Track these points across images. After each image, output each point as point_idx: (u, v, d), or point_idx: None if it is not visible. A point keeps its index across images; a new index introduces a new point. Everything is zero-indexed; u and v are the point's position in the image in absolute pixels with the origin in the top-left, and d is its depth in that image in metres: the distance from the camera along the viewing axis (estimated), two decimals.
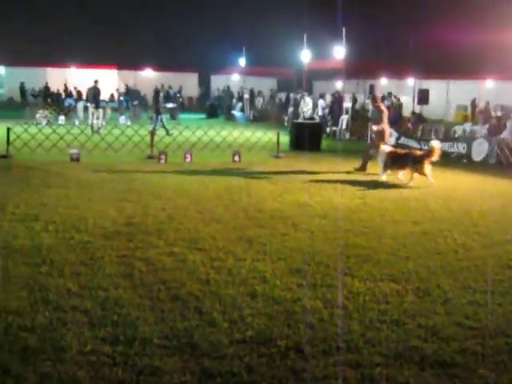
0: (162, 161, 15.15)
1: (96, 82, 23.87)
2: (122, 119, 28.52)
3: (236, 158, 15.87)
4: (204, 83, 54.06)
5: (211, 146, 17.47)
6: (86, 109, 28.58)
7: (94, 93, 23.53)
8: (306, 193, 11.45)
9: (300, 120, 23.29)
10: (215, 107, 38.78)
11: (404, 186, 12.49)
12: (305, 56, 31.60)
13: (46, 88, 43.72)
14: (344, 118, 25.31)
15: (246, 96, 38.32)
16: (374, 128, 14.48)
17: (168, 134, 20.59)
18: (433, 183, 12.64)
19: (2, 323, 4.91)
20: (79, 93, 30.78)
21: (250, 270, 6.59)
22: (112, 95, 39.12)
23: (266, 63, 44.13)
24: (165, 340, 4.75)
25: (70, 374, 4.17)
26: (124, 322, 5.03)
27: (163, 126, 22.33)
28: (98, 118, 23.80)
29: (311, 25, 33.30)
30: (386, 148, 13.53)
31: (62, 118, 27.25)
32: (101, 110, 24.32)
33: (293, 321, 5.25)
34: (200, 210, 9.54)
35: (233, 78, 48.00)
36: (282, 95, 39.48)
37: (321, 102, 26.46)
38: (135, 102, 33.15)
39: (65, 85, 42.68)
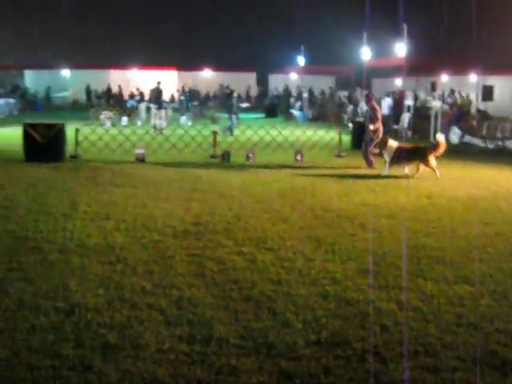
0: (225, 160, 15.24)
1: (159, 83, 24.28)
2: (183, 119, 28.91)
3: (298, 157, 15.82)
4: (262, 82, 54.14)
5: (273, 145, 17.48)
6: (147, 109, 29.15)
7: (157, 94, 23.93)
8: (371, 192, 11.31)
9: (361, 119, 23.02)
10: (274, 106, 38.87)
11: (473, 186, 12.16)
12: (365, 53, 31.24)
13: (108, 90, 44.79)
14: (406, 116, 24.85)
15: (305, 95, 38.21)
16: (371, 127, 14.56)
17: (232, 134, 20.81)
18: (438, 177, 12.87)
19: (82, 320, 5.02)
20: (141, 94, 31.33)
21: (320, 271, 6.54)
22: (172, 96, 39.70)
23: (325, 61, 43.84)
24: (240, 340, 4.76)
25: (150, 371, 4.23)
26: (199, 321, 5.07)
27: (230, 127, 22.60)
28: (160, 119, 24.19)
29: (371, 22, 32.95)
30: (393, 143, 13.62)
31: (125, 119, 27.83)
32: (163, 111, 24.70)
33: (367, 323, 5.18)
34: (266, 210, 9.54)
35: (291, 77, 47.88)
36: (341, 93, 39.14)
37: (387, 101, 26.01)
38: (195, 103, 33.50)
39: (118, 86, 43.54)
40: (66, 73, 48.28)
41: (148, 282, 6.02)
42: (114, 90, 44.64)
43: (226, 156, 15.36)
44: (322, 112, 35.50)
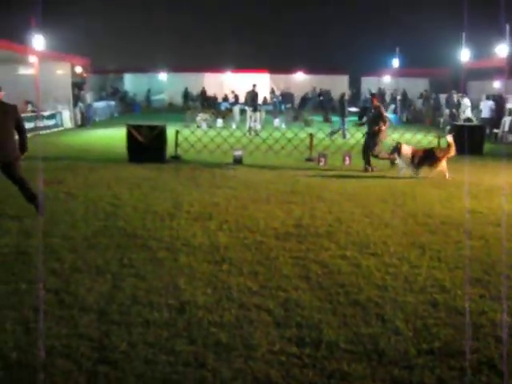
0: (322, 163, 15.18)
1: (254, 85, 24.56)
2: (276, 122, 29.07)
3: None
4: (354, 85, 53.55)
5: None
6: (241, 112, 29.54)
7: (253, 96, 24.19)
8: (473, 198, 10.89)
9: (460, 122, 22.30)
10: (367, 109, 38.32)
11: None
12: (464, 55, 30.22)
13: (203, 92, 45.76)
14: (507, 120, 23.84)
15: (399, 97, 37.44)
16: (383, 127, 14.25)
17: (344, 137, 20.84)
18: (449, 178, 13.05)
19: (193, 317, 5.13)
20: (236, 96, 31.81)
21: (427, 278, 6.36)
22: (265, 98, 40.01)
23: (420, 63, 42.79)
24: (350, 345, 4.70)
25: (263, 372, 4.25)
26: (308, 324, 5.05)
27: (340, 129, 22.57)
28: (255, 121, 24.43)
29: (470, 23, 31.82)
30: (407, 148, 13.63)
31: (220, 121, 28.33)
32: (258, 113, 24.94)
33: (481, 334, 4.98)
34: (367, 214, 9.41)
35: (384, 80, 47.07)
36: (436, 96, 38.03)
37: (489, 104, 25.02)
38: (288, 105, 33.61)
39: (203, 89, 44.29)
40: (162, 76, 49.82)
41: (254, 282, 6.07)
42: (209, 92, 45.59)
43: (322, 159, 15.28)
44: (417, 115, 34.67)
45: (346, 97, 25.35)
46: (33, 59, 24.20)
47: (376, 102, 14.79)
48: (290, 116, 32.17)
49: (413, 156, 13.44)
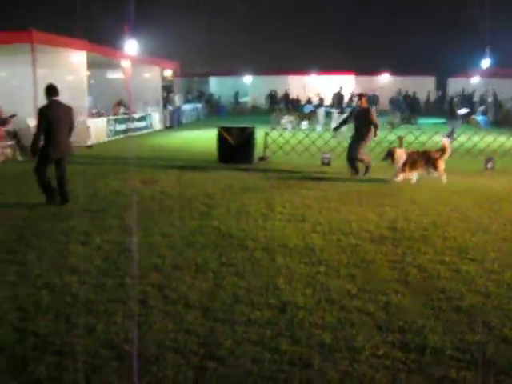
0: None
1: (341, 88, 24.42)
2: None
3: (489, 165, 15.01)
4: (441, 87, 52.20)
5: (460, 151, 16.75)
6: (326, 114, 29.42)
7: (339, 98, 24.06)
8: None
9: None
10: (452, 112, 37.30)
11: None
12: None
13: (286, 95, 45.91)
14: None
15: (489, 99, 36.15)
16: (373, 132, 13.65)
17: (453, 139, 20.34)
18: (445, 182, 12.54)
19: (295, 318, 5.16)
20: (321, 99, 31.76)
21: None
22: (350, 100, 39.61)
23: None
24: (457, 352, 4.59)
25: (369, 375, 4.22)
26: (411, 329, 4.97)
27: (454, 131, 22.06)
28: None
29: None
30: (401, 151, 13.03)
31: (304, 124, 28.33)
32: (344, 116, 24.74)
33: None
34: (463, 219, 9.15)
35: (472, 81, 45.55)
36: None
37: None
38: (373, 107, 33.13)
39: (286, 91, 44.30)
40: (247, 79, 50.40)
41: (352, 285, 6.03)
42: (292, 95, 45.69)
43: None
44: (508, 117, 33.37)
45: (455, 99, 24.57)
46: (125, 63, 25.06)
47: (365, 104, 13.98)
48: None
49: (409, 158, 12.76)
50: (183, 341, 4.69)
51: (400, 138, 16.28)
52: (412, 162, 12.75)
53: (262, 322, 5.06)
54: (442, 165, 12.76)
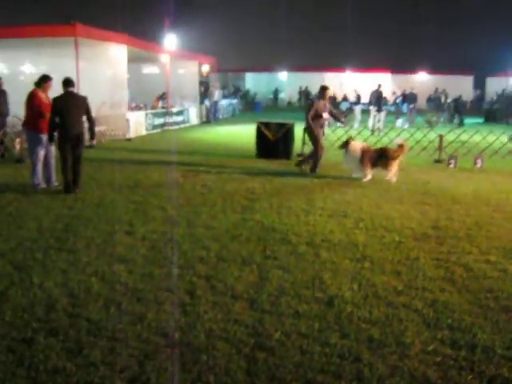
0: (452, 165, 14.72)
1: (379, 85, 24.24)
2: (399, 122, 28.51)
3: None
4: (479, 86, 51.44)
5: (503, 151, 16.51)
6: (363, 111, 29.24)
7: (378, 96, 23.89)
8: None
9: None
10: (494, 111, 36.81)
11: None
12: None
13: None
14: None
15: None
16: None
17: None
18: (394, 182, 12.11)
19: (343, 312, 5.17)
20: (358, 96, 31.50)
21: None
22: (386, 98, 39.29)
23: None
24: (508, 351, 4.55)
25: (420, 371, 4.21)
26: (460, 327, 4.94)
27: None
28: (379, 121, 24.11)
29: None
30: (357, 144, 12.59)
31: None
32: (382, 113, 24.60)
33: None
34: (507, 219, 9.02)
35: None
36: None
37: None
38: (411, 106, 32.81)
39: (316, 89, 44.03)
40: (283, 75, 50.35)
41: (398, 282, 6.01)
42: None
43: (452, 161, 14.82)
44: None
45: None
46: (165, 58, 25.27)
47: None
48: (413, 116, 31.45)
49: (362, 155, 12.27)
50: (232, 331, 4.74)
51: (440, 137, 16.10)
52: (366, 157, 12.28)
53: (310, 315, 5.08)
54: (395, 164, 12.24)
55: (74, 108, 10.37)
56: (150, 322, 4.90)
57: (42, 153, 10.76)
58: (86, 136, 10.88)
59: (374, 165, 12.30)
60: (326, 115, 13.23)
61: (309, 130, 13.29)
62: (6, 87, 15.36)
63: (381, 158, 12.24)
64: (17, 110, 15.17)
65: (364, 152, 12.32)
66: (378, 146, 14.52)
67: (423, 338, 4.73)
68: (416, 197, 10.61)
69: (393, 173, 12.25)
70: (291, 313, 5.13)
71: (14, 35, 18.11)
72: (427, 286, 5.93)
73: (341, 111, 31.61)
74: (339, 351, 4.46)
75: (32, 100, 10.75)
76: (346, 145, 12.68)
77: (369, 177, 12.30)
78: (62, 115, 10.27)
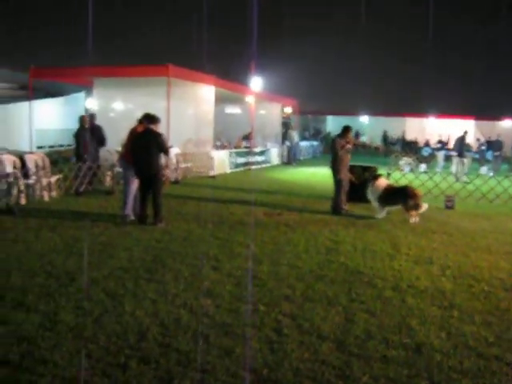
0: None
1: (465, 132, 23.89)
2: (483, 170, 27.82)
3: None
4: None
5: None
6: (446, 158, 28.72)
7: (461, 142, 23.50)
8: None
9: None
10: None
11: None
12: None
13: (403, 136, 45.38)
14: None
15: None
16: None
17: None
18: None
19: (432, 360, 5.07)
20: (441, 142, 31.05)
21: None
22: (468, 144, 38.49)
23: None
24: None
25: None
26: None
27: None
28: (462, 168, 23.64)
29: None
30: (383, 182, 12.91)
31: (423, 166, 27.81)
32: (465, 160, 24.11)
33: None
34: None
35: None
36: None
37: None
38: (497, 153, 31.97)
39: (403, 133, 43.58)
40: (364, 119, 50.36)
41: (489, 333, 5.83)
42: (410, 136, 45.08)
43: None
44: None
45: None
46: (250, 99, 25.87)
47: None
48: (498, 164, 30.59)
49: (385, 191, 12.57)
50: (320, 371, 4.74)
51: None
52: (385, 194, 12.60)
53: (399, 361, 5.01)
54: (411, 203, 12.35)
55: (150, 146, 10.75)
56: (237, 356, 4.98)
57: (134, 186, 11.20)
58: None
59: (393, 202, 12.66)
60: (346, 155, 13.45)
61: (332, 164, 13.52)
62: (97, 123, 16.20)
63: (402, 196, 12.52)
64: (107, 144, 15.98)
65: (387, 189, 12.74)
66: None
67: None
68: (505, 247, 10.27)
69: (413, 213, 12.41)
70: (379, 357, 5.08)
71: (109, 74, 19.12)
72: None
73: (422, 156, 31.23)
74: None
75: (131, 135, 11.21)
76: (374, 179, 13.09)
77: (383, 213, 12.76)
78: (138, 152, 10.82)
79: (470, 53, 59.64)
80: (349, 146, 13.30)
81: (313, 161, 33.59)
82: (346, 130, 13.61)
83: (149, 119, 10.96)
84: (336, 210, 13.24)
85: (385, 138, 46.84)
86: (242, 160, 25.25)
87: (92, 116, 16.39)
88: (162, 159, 11.44)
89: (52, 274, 7.24)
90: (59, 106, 33.76)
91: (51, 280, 6.99)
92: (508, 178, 17.46)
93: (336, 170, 13.41)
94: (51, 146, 31.02)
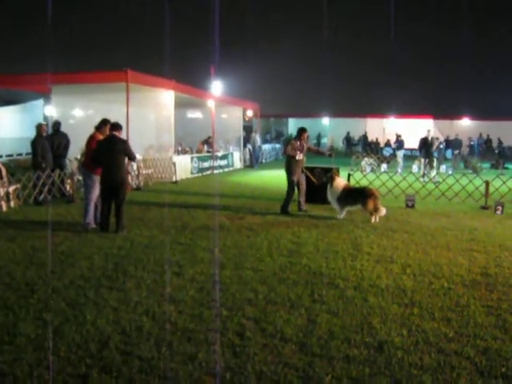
0: (499, 212, 14.50)
1: (428, 131, 24.35)
2: (443, 168, 28.32)
3: None
4: None
5: None
6: (405, 157, 29.15)
7: (425, 142, 23.93)
8: None
9: None
10: None
11: None
12: None
13: (365, 137, 45.89)
14: None
15: None
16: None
17: None
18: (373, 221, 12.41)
19: (393, 357, 5.14)
20: (400, 141, 31.47)
21: None
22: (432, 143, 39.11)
23: None
24: None
25: None
26: None
27: None
28: (425, 167, 24.03)
29: None
30: (341, 181, 13.07)
31: (384, 166, 28.19)
32: (435, 160, 24.56)
33: None
34: None
35: None
36: None
37: None
38: (456, 152, 32.63)
39: (365, 134, 44.16)
40: (325, 121, 50.77)
41: (449, 328, 5.93)
42: (371, 137, 45.63)
43: (499, 207, 14.60)
44: None
45: None
46: (210, 103, 25.84)
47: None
48: (457, 162, 31.22)
49: (343, 192, 12.74)
50: (283, 374, 4.76)
51: (487, 183, 15.94)
52: (344, 195, 12.73)
53: (361, 360, 5.06)
54: (371, 204, 12.45)
55: (116, 154, 10.62)
56: (200, 361, 4.96)
57: (95, 194, 11.08)
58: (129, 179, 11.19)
59: (352, 203, 12.73)
60: (300, 156, 13.60)
61: (286, 166, 13.71)
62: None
63: (360, 197, 12.60)
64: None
65: (345, 189, 12.86)
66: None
67: None
68: (463, 244, 10.48)
69: (370, 212, 12.54)
70: (341, 357, 5.12)
71: (68, 81, 18.87)
72: (479, 333, 5.84)
73: (383, 156, 31.63)
74: None
75: (90, 143, 11.10)
76: (331, 178, 13.13)
77: (343, 214, 12.87)
78: (104, 160, 10.63)
79: (427, 53, 60.73)
80: (298, 145, 13.47)
81: (275, 163, 33.68)
82: (301, 131, 13.78)
83: (113, 126, 10.85)
84: (284, 209, 13.36)
85: (348, 139, 47.30)
86: (204, 165, 25.21)
87: (57, 123, 16.10)
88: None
89: (11, 286, 7.11)
90: (17, 114, 33.21)
91: (9, 292, 6.87)
92: (466, 175, 17.78)
93: (289, 172, 13.55)
94: (9, 155, 30.46)
